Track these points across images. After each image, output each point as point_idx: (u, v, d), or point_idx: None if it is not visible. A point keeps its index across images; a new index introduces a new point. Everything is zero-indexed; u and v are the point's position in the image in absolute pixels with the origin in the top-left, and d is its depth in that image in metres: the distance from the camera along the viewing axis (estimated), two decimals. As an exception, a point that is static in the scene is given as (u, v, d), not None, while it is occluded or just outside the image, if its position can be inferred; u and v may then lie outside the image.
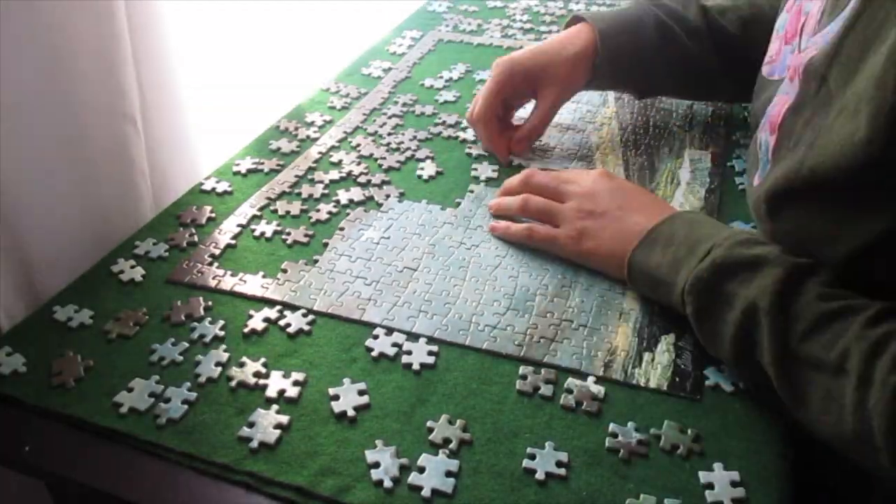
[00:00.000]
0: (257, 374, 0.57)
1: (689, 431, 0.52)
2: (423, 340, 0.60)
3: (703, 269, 0.55)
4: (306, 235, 0.71)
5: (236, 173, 0.81)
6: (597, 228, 0.65)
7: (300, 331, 0.61)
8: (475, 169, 0.81)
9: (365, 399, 0.55)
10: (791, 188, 0.53)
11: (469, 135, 0.88)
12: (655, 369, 0.57)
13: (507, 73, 0.81)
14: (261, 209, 0.75)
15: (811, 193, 0.52)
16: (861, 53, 0.49)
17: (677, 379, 0.57)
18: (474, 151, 0.85)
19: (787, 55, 0.64)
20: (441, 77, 1.01)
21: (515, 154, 0.83)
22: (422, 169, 0.81)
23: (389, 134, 0.88)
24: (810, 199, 0.53)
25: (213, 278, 0.66)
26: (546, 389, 0.56)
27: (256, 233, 0.72)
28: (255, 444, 0.51)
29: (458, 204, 0.76)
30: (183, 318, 0.62)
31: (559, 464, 0.50)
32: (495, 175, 0.80)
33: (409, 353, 0.59)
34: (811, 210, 0.53)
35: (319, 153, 0.84)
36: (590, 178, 0.69)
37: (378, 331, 0.61)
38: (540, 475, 0.50)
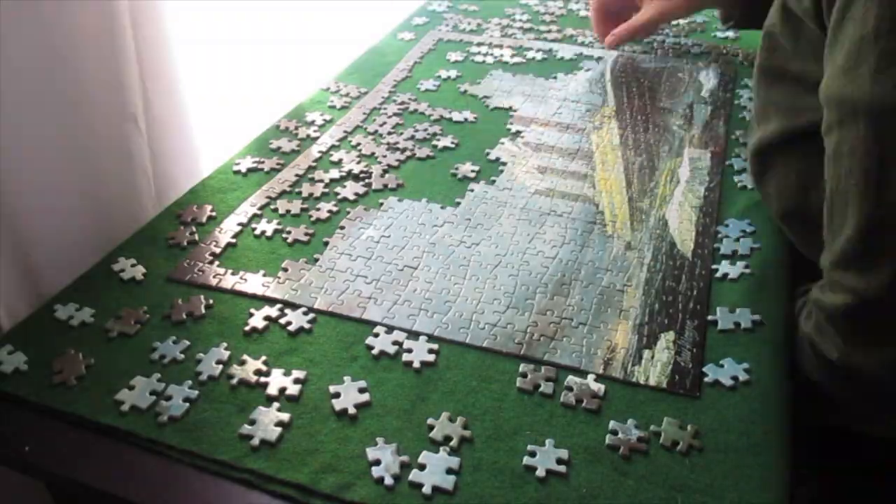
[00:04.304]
0: (258, 372, 0.57)
1: (689, 428, 0.53)
2: (423, 339, 0.60)
3: None
4: (307, 234, 0.71)
5: (237, 172, 0.81)
6: None
7: (301, 329, 0.61)
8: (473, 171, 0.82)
9: (366, 397, 0.55)
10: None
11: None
12: (655, 367, 0.58)
13: None
14: (261, 208, 0.75)
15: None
16: None
17: (677, 377, 0.57)
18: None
19: None
20: (440, 76, 1.01)
21: (609, 45, 1.05)
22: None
23: (389, 133, 0.88)
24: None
25: (214, 277, 0.66)
26: (546, 387, 0.56)
27: (257, 231, 0.72)
28: (256, 441, 0.51)
29: (458, 203, 0.76)
30: (184, 316, 0.62)
31: (559, 461, 0.50)
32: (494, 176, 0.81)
33: (409, 351, 0.59)
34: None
35: (320, 152, 0.84)
36: None
37: (378, 329, 0.61)
38: (540, 472, 0.50)
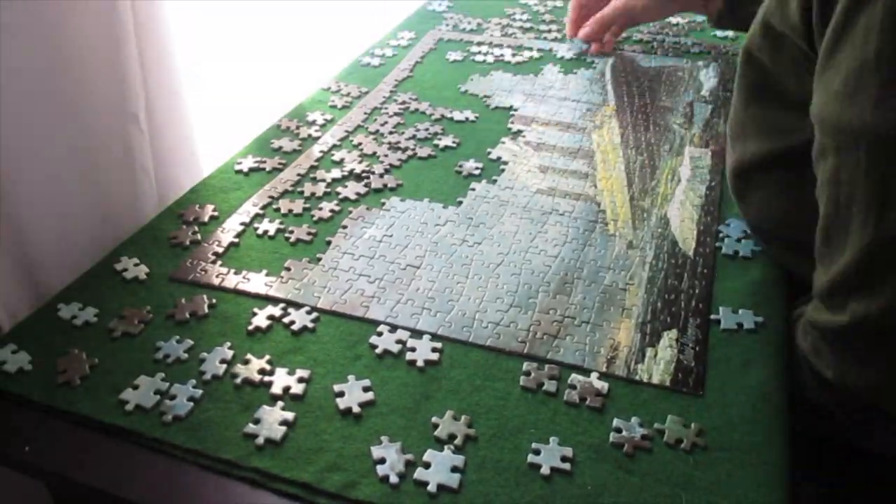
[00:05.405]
0: (262, 371, 0.57)
1: (693, 426, 0.53)
2: (426, 337, 0.60)
3: None
4: (309, 233, 0.71)
5: (238, 172, 0.81)
6: None
7: (304, 328, 0.61)
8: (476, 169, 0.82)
9: (370, 395, 0.55)
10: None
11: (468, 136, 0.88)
12: (658, 365, 0.58)
13: None
14: (263, 207, 0.75)
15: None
16: None
17: (680, 375, 0.57)
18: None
19: None
20: (440, 74, 1.01)
21: (579, 36, 1.09)
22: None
23: (391, 132, 0.88)
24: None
25: (217, 276, 0.66)
26: (550, 385, 0.56)
27: (259, 231, 0.72)
28: (260, 440, 0.51)
29: (460, 202, 0.76)
30: (187, 315, 0.62)
31: (564, 459, 0.51)
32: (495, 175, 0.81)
33: (413, 349, 0.59)
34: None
35: (321, 152, 0.84)
36: None
37: (382, 328, 0.61)
38: (545, 470, 0.50)
